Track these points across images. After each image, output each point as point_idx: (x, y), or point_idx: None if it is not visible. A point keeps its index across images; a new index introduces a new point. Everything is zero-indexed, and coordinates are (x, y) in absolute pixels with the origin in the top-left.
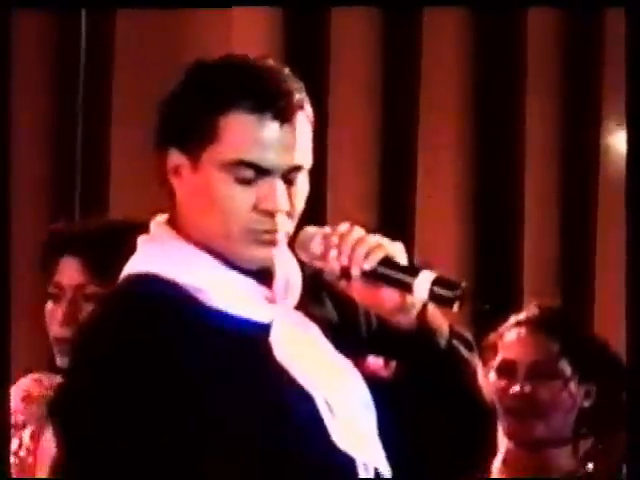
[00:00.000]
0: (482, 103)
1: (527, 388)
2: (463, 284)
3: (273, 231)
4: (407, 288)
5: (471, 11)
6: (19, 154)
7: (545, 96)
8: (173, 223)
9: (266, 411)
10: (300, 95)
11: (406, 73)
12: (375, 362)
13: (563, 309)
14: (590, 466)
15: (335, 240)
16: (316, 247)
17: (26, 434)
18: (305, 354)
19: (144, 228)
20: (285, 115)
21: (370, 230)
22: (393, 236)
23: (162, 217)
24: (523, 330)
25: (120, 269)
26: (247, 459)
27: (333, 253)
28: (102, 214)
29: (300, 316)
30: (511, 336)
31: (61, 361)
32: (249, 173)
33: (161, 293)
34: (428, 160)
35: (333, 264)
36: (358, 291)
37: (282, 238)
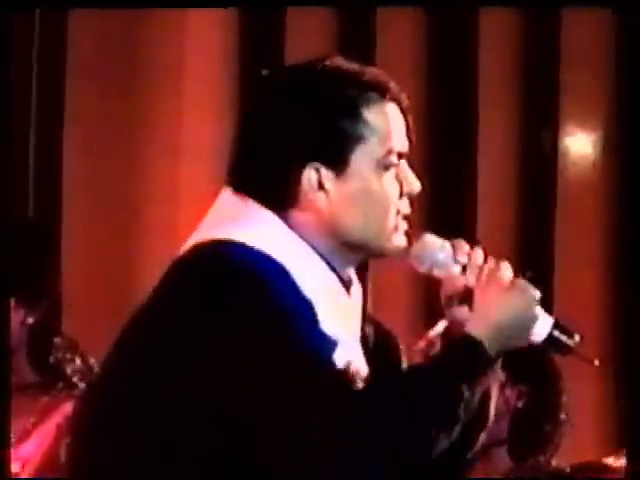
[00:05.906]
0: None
1: None
2: (577, 336)
3: (408, 217)
4: None
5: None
6: None
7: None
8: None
9: None
10: None
11: None
12: None
13: None
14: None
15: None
16: (447, 257)
17: None
18: None
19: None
20: (398, 97)
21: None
22: None
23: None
24: None
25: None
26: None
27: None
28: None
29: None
30: None
31: None
32: (395, 160)
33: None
34: None
35: (471, 278)
36: None
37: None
